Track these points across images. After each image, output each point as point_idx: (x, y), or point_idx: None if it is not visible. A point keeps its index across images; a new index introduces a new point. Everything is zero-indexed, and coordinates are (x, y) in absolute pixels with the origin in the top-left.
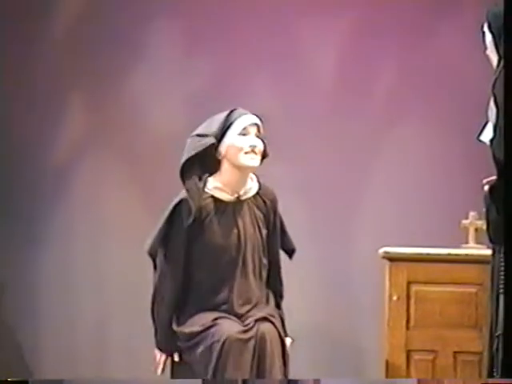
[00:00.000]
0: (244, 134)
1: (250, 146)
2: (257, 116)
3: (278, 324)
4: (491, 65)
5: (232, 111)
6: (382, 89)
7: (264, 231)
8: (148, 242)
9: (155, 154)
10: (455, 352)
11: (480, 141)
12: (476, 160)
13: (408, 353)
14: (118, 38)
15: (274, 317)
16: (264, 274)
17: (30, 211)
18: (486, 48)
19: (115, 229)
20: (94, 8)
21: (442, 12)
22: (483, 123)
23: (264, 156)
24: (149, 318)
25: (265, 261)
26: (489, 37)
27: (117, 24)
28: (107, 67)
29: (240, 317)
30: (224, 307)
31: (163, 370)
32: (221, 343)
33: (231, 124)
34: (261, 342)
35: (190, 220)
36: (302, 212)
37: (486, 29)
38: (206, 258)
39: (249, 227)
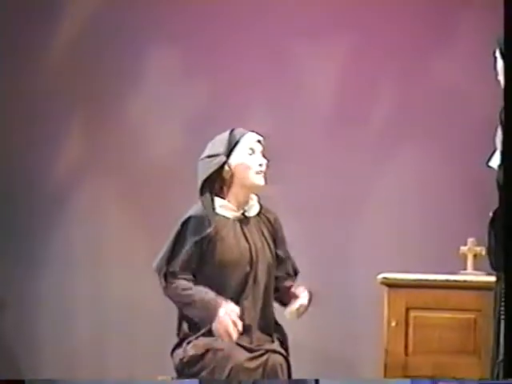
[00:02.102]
0: (251, 154)
1: (260, 165)
2: (259, 134)
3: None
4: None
5: (232, 130)
6: (380, 114)
7: (272, 248)
8: (156, 259)
9: (153, 177)
10: (454, 378)
11: (489, 167)
12: (475, 186)
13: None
14: (116, 62)
15: (284, 346)
16: (272, 292)
17: (29, 231)
18: (497, 74)
19: (114, 250)
20: (93, 32)
21: (441, 37)
22: (483, 149)
23: None
24: (147, 336)
25: (273, 277)
26: (500, 62)
27: (115, 47)
28: (106, 90)
29: (249, 339)
30: None
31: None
32: (227, 371)
33: (237, 142)
34: (270, 374)
35: (201, 236)
36: (299, 237)
37: (497, 54)
38: (216, 276)
39: (258, 242)
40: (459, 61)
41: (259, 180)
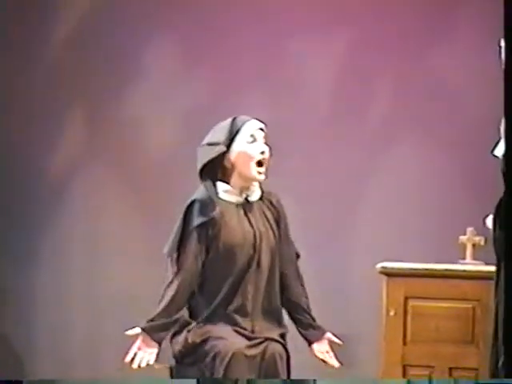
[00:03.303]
0: (252, 141)
1: (261, 153)
2: (261, 121)
3: (285, 343)
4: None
5: (235, 118)
6: (380, 106)
7: (276, 231)
8: (167, 245)
9: (153, 169)
10: (451, 368)
11: (494, 156)
12: (474, 176)
13: (404, 368)
14: (116, 55)
15: (284, 336)
16: (277, 279)
17: (26, 225)
18: (501, 63)
19: (112, 242)
20: (93, 24)
21: (440, 33)
22: (482, 139)
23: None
24: None
25: (277, 260)
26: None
27: (115, 41)
28: (106, 83)
29: (250, 326)
30: (235, 312)
31: (139, 365)
32: (227, 360)
33: (238, 131)
34: (269, 362)
35: (207, 218)
36: (298, 227)
37: (502, 43)
38: (221, 260)
39: (261, 227)
40: (458, 56)
41: (259, 176)
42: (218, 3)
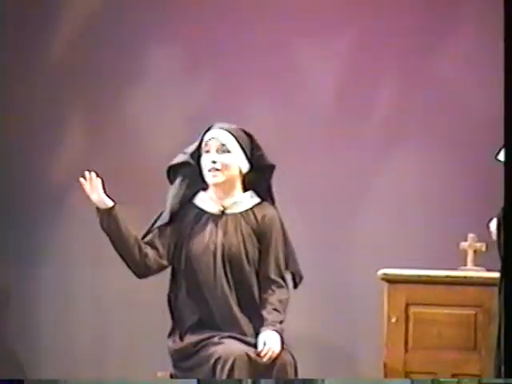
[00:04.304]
0: (207, 151)
1: (213, 162)
2: (225, 128)
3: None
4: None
5: (209, 128)
6: (382, 110)
7: (251, 246)
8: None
9: (154, 174)
10: (453, 374)
11: (498, 160)
12: (476, 182)
13: (406, 375)
14: (117, 59)
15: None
16: (250, 289)
17: (29, 227)
18: None
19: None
20: (94, 29)
21: (442, 34)
22: (485, 145)
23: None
24: (147, 330)
25: (250, 275)
26: None
27: (116, 44)
28: (106, 88)
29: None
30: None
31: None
32: (229, 364)
33: (201, 140)
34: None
35: (161, 222)
36: (300, 233)
37: None
38: (185, 270)
39: (232, 239)
40: (461, 56)
41: (211, 179)
42: (220, 4)
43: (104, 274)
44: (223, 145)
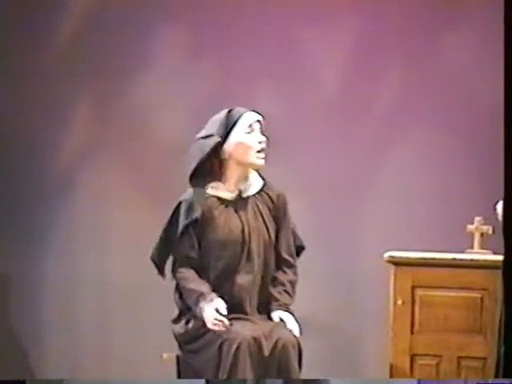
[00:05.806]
0: (250, 132)
1: (259, 143)
2: (258, 113)
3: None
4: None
5: (230, 110)
6: (388, 97)
7: (270, 225)
8: (152, 248)
9: (160, 161)
10: (459, 357)
11: None
12: (482, 166)
13: (412, 357)
14: (121, 47)
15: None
16: (272, 269)
17: (33, 213)
18: None
19: (119, 233)
20: (97, 17)
21: (447, 26)
22: (490, 129)
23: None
24: (150, 319)
25: (273, 256)
26: None
27: (120, 33)
28: (112, 75)
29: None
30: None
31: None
32: (235, 346)
33: (236, 122)
34: (281, 355)
35: (190, 219)
36: (306, 216)
37: None
38: (209, 257)
39: (252, 221)
40: (467, 45)
41: (259, 160)
42: None
43: (108, 258)
44: (262, 128)
